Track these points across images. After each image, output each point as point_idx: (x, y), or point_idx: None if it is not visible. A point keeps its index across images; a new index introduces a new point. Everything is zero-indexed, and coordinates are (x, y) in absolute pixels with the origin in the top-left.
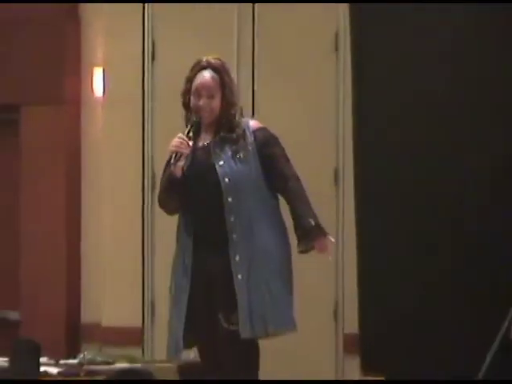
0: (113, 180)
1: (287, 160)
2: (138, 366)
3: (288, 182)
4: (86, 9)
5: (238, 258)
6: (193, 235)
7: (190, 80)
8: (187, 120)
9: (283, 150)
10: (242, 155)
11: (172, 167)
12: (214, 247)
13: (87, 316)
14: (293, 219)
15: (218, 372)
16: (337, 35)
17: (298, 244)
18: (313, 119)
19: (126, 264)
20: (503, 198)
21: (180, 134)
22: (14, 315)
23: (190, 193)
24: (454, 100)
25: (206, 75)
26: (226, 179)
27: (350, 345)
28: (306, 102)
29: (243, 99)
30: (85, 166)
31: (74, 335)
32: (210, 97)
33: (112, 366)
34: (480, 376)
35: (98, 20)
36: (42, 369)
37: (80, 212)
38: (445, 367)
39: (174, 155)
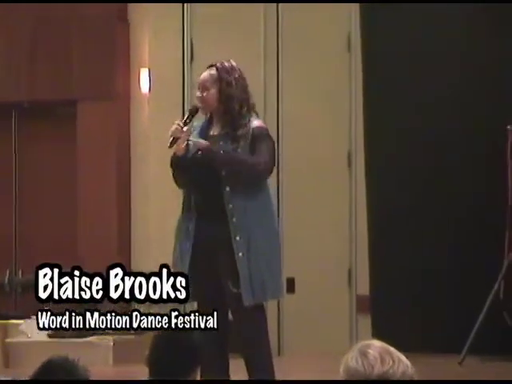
0: (158, 164)
1: (269, 149)
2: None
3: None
4: (134, 15)
5: (238, 238)
6: (195, 210)
7: None
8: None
9: (270, 144)
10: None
11: (174, 147)
12: (215, 225)
13: None
14: None
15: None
16: (349, 37)
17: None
18: (329, 108)
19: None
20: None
21: (177, 121)
22: None
23: (195, 173)
24: (459, 92)
25: (205, 72)
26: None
27: (363, 305)
28: (323, 94)
29: (269, 91)
30: (133, 153)
31: None
32: (205, 89)
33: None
34: (473, 334)
35: (144, 25)
36: None
37: (130, 195)
38: (443, 324)
39: (170, 139)
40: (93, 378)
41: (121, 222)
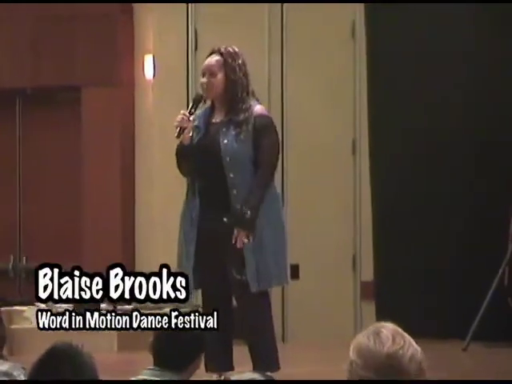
0: (162, 150)
1: (271, 148)
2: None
3: (259, 168)
4: (138, 4)
5: None
6: (199, 197)
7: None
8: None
9: (273, 139)
10: (242, 136)
11: (181, 137)
12: (219, 212)
13: (140, 267)
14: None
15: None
16: (353, 24)
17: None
18: (334, 96)
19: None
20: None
21: (182, 111)
22: None
23: (198, 161)
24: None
25: (211, 58)
26: (228, 158)
27: (367, 292)
28: (327, 82)
29: (273, 81)
30: (137, 140)
31: None
32: (212, 75)
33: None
34: (477, 320)
35: (149, 14)
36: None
37: (134, 182)
38: (448, 310)
39: (178, 130)
40: (97, 364)
41: (125, 209)
